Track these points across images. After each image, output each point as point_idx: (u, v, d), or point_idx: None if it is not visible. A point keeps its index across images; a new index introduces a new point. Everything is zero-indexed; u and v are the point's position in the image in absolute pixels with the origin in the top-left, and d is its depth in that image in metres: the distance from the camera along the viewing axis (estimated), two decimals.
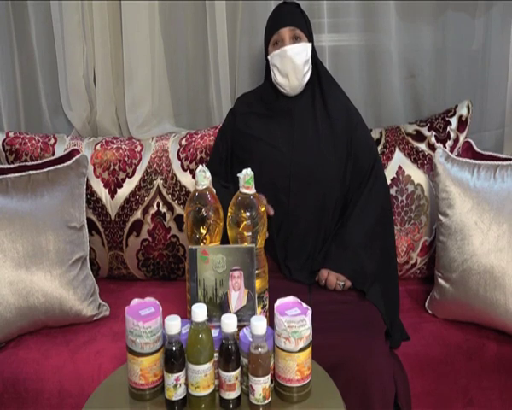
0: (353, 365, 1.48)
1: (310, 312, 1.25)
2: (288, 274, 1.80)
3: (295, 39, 1.80)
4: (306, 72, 1.82)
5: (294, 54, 1.78)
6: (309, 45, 1.82)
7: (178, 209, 2.03)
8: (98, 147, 2.08)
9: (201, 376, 1.20)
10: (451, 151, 2.01)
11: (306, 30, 1.84)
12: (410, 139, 2.05)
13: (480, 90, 2.21)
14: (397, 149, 2.04)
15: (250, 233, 1.36)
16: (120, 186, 2.04)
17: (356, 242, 1.78)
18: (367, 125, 1.96)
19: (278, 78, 1.82)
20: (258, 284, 1.34)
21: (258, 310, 1.35)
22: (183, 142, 2.08)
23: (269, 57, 1.84)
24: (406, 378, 1.65)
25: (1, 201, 1.77)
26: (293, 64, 1.78)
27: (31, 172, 1.87)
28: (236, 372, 1.21)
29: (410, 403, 1.64)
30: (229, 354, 1.20)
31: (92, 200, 2.04)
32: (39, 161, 2.00)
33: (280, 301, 1.29)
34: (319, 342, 1.29)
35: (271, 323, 1.27)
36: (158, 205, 2.04)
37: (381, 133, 2.08)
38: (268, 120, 1.87)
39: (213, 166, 1.81)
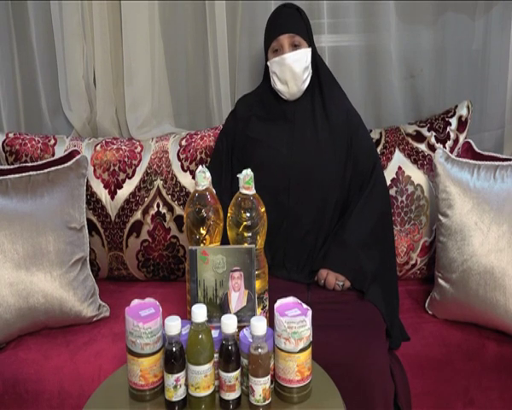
0: (353, 365, 1.48)
1: (310, 312, 1.25)
2: (286, 274, 1.81)
3: (294, 47, 1.79)
4: (306, 78, 1.82)
5: (293, 61, 1.78)
6: (308, 51, 1.81)
7: (178, 210, 2.03)
8: (98, 148, 2.08)
9: (201, 376, 1.20)
10: (451, 152, 2.00)
11: (306, 35, 1.83)
12: (409, 140, 2.05)
13: (479, 91, 2.20)
14: (397, 150, 2.04)
15: (250, 234, 1.36)
16: (120, 187, 2.04)
17: (355, 242, 1.78)
18: (367, 127, 1.96)
19: (277, 84, 1.82)
20: (258, 284, 1.34)
21: (258, 311, 1.35)
22: (183, 142, 2.08)
23: (268, 63, 1.84)
24: (406, 378, 1.65)
25: (1, 202, 1.77)
26: (292, 72, 1.78)
27: (31, 172, 1.87)
28: (236, 373, 1.21)
29: (410, 403, 1.64)
30: (229, 354, 1.20)
31: (92, 201, 2.04)
32: (39, 162, 2.00)
33: (280, 302, 1.29)
34: (319, 342, 1.29)
35: (271, 323, 1.27)
36: (158, 206, 2.04)
37: (380, 134, 2.08)
38: (268, 123, 1.87)
39: (214, 168, 1.80)
